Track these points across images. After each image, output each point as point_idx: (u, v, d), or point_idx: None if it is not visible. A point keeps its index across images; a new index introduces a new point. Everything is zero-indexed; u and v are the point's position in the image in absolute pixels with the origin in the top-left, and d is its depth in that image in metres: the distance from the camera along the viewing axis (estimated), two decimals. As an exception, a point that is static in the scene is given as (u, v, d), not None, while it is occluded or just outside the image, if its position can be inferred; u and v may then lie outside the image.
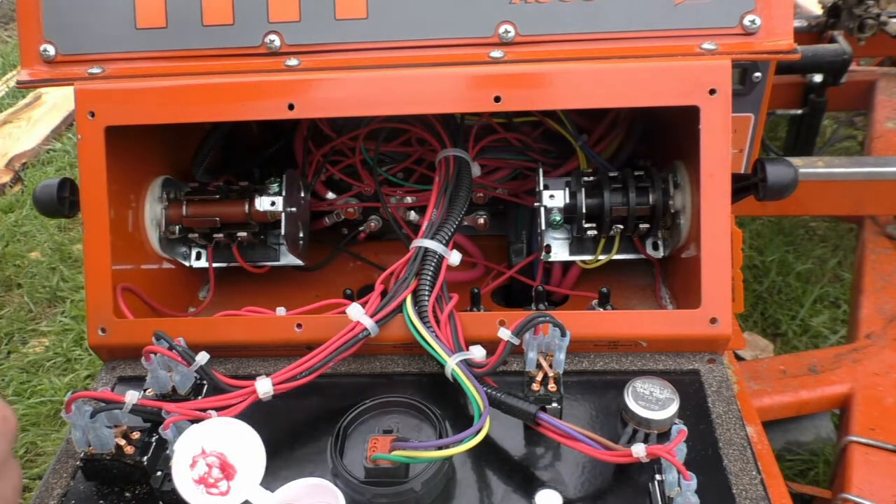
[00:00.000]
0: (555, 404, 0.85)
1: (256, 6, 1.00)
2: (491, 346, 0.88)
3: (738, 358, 1.87)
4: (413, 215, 1.28)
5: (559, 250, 1.16)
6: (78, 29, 1.03)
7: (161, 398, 0.89)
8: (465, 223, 1.26)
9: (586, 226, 1.10)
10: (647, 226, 1.10)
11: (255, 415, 0.84)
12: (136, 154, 1.09)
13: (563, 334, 0.85)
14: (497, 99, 0.96)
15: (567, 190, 1.10)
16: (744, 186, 1.06)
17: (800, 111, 2.23)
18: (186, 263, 1.21)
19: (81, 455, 0.83)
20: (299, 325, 0.99)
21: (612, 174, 1.11)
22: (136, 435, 0.85)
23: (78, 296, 2.54)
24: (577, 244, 1.16)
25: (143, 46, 1.02)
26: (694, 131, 0.95)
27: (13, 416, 0.52)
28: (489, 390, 0.84)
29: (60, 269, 2.67)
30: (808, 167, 1.81)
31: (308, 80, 0.98)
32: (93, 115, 1.00)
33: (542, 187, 1.10)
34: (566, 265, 1.23)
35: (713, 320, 0.94)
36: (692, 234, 1.02)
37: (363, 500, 0.78)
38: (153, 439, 0.85)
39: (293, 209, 1.17)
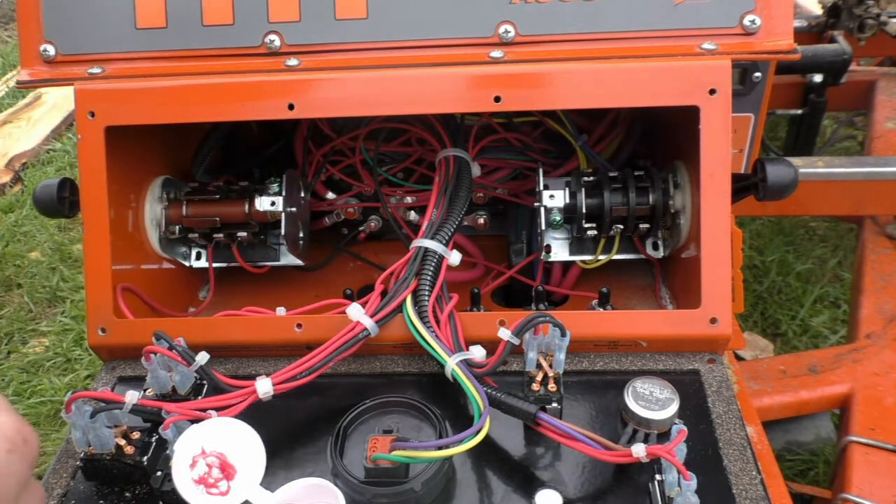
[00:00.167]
0: (555, 404, 0.85)
1: (256, 6, 1.00)
2: (491, 346, 0.88)
3: (738, 358, 1.87)
4: (413, 215, 1.28)
5: (559, 250, 1.16)
6: (78, 29, 1.03)
7: (161, 398, 0.89)
8: (465, 223, 1.26)
9: (586, 226, 1.10)
10: (647, 226, 1.10)
11: (255, 415, 0.84)
12: (136, 154, 1.09)
13: (563, 334, 0.85)
14: (497, 99, 0.96)
15: (567, 190, 1.10)
16: (744, 186, 1.06)
17: (800, 111, 2.23)
18: (186, 263, 1.21)
19: (81, 455, 0.83)
20: (299, 325, 0.99)
21: (612, 174, 1.11)
22: (136, 435, 0.85)
23: (78, 296, 2.54)
24: (577, 244, 1.16)
25: (143, 46, 1.02)
26: (694, 131, 0.95)
27: (35, 438, 0.51)
28: (489, 390, 0.84)
29: (60, 269, 2.67)
30: (808, 167, 1.81)
31: (308, 80, 0.98)
32: (93, 115, 1.00)
33: (542, 187, 1.10)
34: (566, 265, 1.23)
35: (713, 320, 0.94)
36: (692, 234, 1.02)
37: (363, 500, 0.78)
38: (153, 439, 0.85)
39: (293, 209, 1.17)
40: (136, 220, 1.11)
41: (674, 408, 0.82)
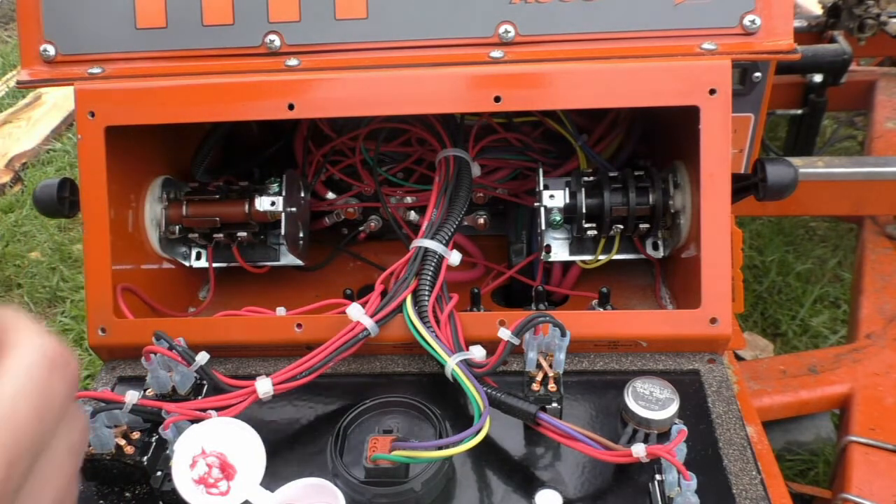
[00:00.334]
0: (555, 404, 0.85)
1: (256, 6, 1.00)
2: (491, 346, 0.88)
3: (738, 358, 1.87)
4: (413, 215, 1.28)
5: (559, 250, 1.16)
6: (78, 29, 1.03)
7: (161, 398, 0.89)
8: (465, 223, 1.26)
9: (586, 226, 1.10)
10: (647, 226, 1.10)
11: (255, 415, 0.84)
12: (136, 154, 1.09)
13: (563, 334, 0.85)
14: (497, 99, 0.96)
15: (567, 190, 1.10)
16: (744, 186, 1.06)
17: (800, 111, 2.23)
18: (186, 263, 1.21)
19: (81, 455, 0.83)
20: (299, 325, 0.99)
21: (612, 174, 1.11)
22: (136, 435, 0.85)
23: (78, 296, 2.53)
24: (577, 244, 1.16)
25: (143, 46, 1.02)
26: (694, 131, 0.95)
27: (75, 361, 0.50)
28: (489, 390, 0.84)
29: (60, 269, 2.67)
30: (808, 167, 1.81)
31: (308, 80, 0.98)
32: (93, 115, 1.00)
33: (542, 187, 1.10)
34: (566, 265, 1.23)
35: (713, 320, 0.94)
36: (692, 234, 1.02)
37: (363, 500, 0.78)
38: (153, 439, 0.85)
39: (293, 209, 1.17)
40: (136, 220, 1.11)
41: (674, 408, 0.82)
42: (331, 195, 1.30)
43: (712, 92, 0.94)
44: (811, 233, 2.56)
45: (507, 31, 0.97)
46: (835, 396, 1.51)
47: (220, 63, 1.01)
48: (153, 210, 1.14)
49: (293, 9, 1.00)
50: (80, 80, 1.02)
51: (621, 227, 1.10)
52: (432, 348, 0.89)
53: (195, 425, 0.77)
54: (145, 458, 0.84)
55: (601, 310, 1.06)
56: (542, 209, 1.09)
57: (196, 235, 1.18)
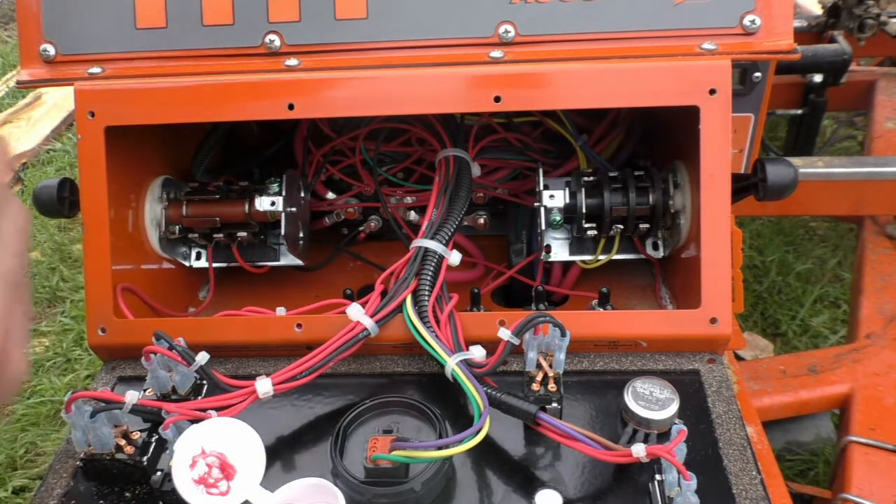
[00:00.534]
0: (555, 404, 0.85)
1: (256, 6, 1.00)
2: (491, 346, 0.88)
3: (738, 358, 1.87)
4: (413, 215, 1.28)
5: (559, 250, 1.16)
6: (78, 29, 1.03)
7: (161, 398, 0.89)
8: (465, 223, 1.26)
9: (586, 226, 1.10)
10: (647, 226, 1.10)
11: (255, 415, 0.84)
12: (136, 154, 1.09)
13: (563, 334, 0.85)
14: (497, 99, 0.96)
15: (567, 190, 1.10)
16: (744, 186, 1.06)
17: (800, 111, 2.23)
18: (186, 263, 1.21)
19: (81, 455, 0.83)
20: (299, 325, 0.99)
21: (612, 174, 1.11)
22: (136, 435, 0.85)
23: (78, 296, 2.53)
24: (577, 244, 1.16)
25: (143, 46, 1.02)
26: (694, 131, 0.95)
27: (7, 146, 0.55)
28: (489, 390, 0.84)
29: (60, 269, 2.67)
30: (808, 167, 1.81)
31: (308, 80, 0.98)
32: (93, 115, 1.00)
33: (542, 187, 1.10)
34: (566, 265, 1.23)
35: (713, 320, 0.94)
36: (692, 234, 1.02)
37: (363, 500, 0.78)
38: (153, 439, 0.85)
39: (293, 209, 1.17)
40: (136, 220, 1.11)
41: (674, 408, 0.82)
42: (331, 195, 1.30)
43: (712, 92, 0.94)
44: (811, 233, 2.56)
45: (507, 31, 0.97)
46: (835, 396, 1.51)
47: (220, 63, 1.01)
48: (153, 210, 1.14)
49: (293, 9, 1.00)
50: (80, 80, 1.02)
51: (621, 227, 1.10)
52: (432, 348, 0.89)
53: (195, 425, 0.77)
54: (145, 458, 0.84)
55: (601, 310, 1.06)
56: (542, 209, 1.09)
57: (196, 235, 1.18)
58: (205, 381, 0.91)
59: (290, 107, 0.98)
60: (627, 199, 1.08)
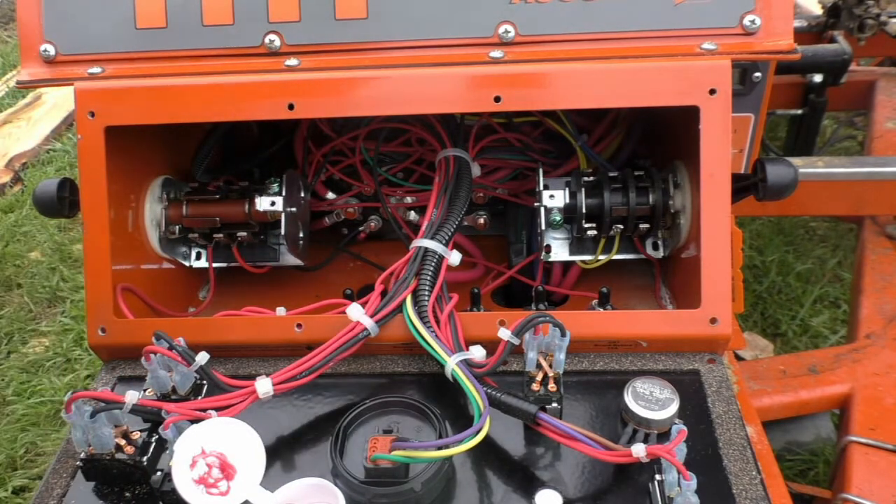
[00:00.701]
0: (555, 404, 0.85)
1: (256, 6, 1.00)
2: (491, 346, 0.88)
3: (738, 358, 1.87)
4: (413, 215, 1.28)
5: (559, 250, 1.16)
6: (78, 29, 1.03)
7: (161, 398, 0.89)
8: (465, 223, 1.26)
9: (586, 226, 1.10)
10: (647, 226, 1.10)
11: (255, 415, 0.84)
12: (136, 154, 1.09)
13: (563, 334, 0.84)
14: (497, 99, 0.96)
15: (567, 190, 1.10)
16: (744, 186, 1.05)
17: (800, 111, 2.23)
18: (186, 263, 1.21)
19: (81, 455, 0.83)
20: (299, 325, 0.99)
21: (612, 174, 1.11)
22: (136, 435, 0.85)
23: (78, 296, 2.53)
24: (577, 244, 1.16)
25: (143, 46, 1.02)
26: (694, 131, 0.95)
27: None
28: (489, 390, 0.84)
29: (60, 269, 2.67)
30: (808, 167, 1.81)
31: (308, 80, 0.98)
32: (93, 115, 1.00)
33: (542, 187, 1.10)
34: (566, 265, 1.23)
35: (713, 320, 0.94)
36: (692, 234, 1.02)
37: (363, 500, 0.78)
38: (153, 439, 0.85)
39: (293, 209, 1.17)
40: (136, 220, 1.11)
41: (674, 408, 0.82)
42: (331, 195, 1.30)
43: (712, 92, 0.94)
44: (811, 233, 2.56)
45: (507, 31, 0.97)
46: (835, 396, 1.51)
47: (220, 63, 1.01)
48: (153, 210, 1.14)
49: (293, 9, 1.00)
50: (80, 80, 1.02)
51: (621, 227, 1.10)
52: (432, 348, 0.89)
53: (195, 425, 0.77)
54: (145, 458, 0.84)
55: (601, 310, 1.06)
56: (542, 209, 1.09)
57: (196, 235, 1.18)
58: (205, 381, 0.91)
59: (290, 107, 0.98)
60: (627, 199, 1.08)
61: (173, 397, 0.89)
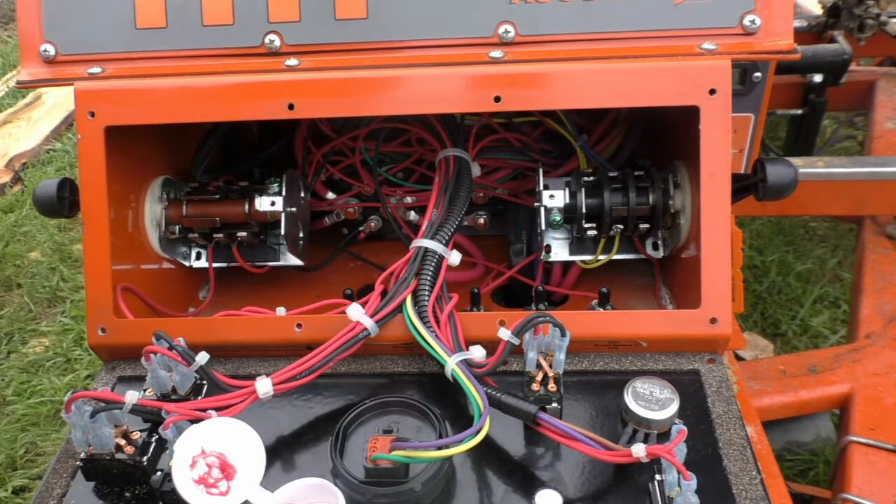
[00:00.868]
0: (555, 404, 0.85)
1: (256, 6, 1.00)
2: (491, 346, 0.88)
3: (738, 358, 1.87)
4: (413, 215, 1.28)
5: (559, 250, 1.16)
6: (78, 29, 1.03)
7: (161, 398, 0.89)
8: (465, 223, 1.26)
9: (586, 226, 1.10)
10: (647, 226, 1.10)
11: (255, 415, 0.84)
12: (136, 154, 1.09)
13: (563, 334, 0.84)
14: (497, 99, 0.96)
15: (567, 190, 1.10)
16: (744, 186, 1.05)
17: (800, 111, 2.23)
18: (186, 263, 1.21)
19: (81, 455, 0.83)
20: (299, 325, 0.99)
21: (612, 174, 1.11)
22: (136, 435, 0.85)
23: (78, 296, 2.53)
24: (577, 244, 1.16)
25: (143, 46, 1.02)
26: (694, 131, 0.95)
27: None
28: (489, 390, 0.84)
29: (60, 269, 2.67)
30: (808, 167, 1.81)
31: (308, 80, 0.98)
32: (93, 115, 1.00)
33: (542, 187, 1.10)
34: (566, 265, 1.23)
35: (713, 320, 0.94)
36: (692, 234, 1.02)
37: (363, 500, 0.78)
38: (153, 439, 0.85)
39: (293, 209, 1.17)
40: (136, 220, 1.11)
41: (674, 408, 0.82)
42: (331, 195, 1.30)
43: (712, 92, 0.94)
44: (811, 233, 2.56)
45: (507, 31, 0.97)
46: (835, 396, 1.51)
47: (220, 63, 1.01)
48: (153, 210, 1.14)
49: (293, 9, 1.00)
50: (80, 80, 1.02)
51: (621, 227, 1.10)
52: (432, 348, 0.89)
53: (195, 425, 0.77)
54: (145, 458, 0.84)
55: (601, 310, 1.06)
56: (542, 209, 1.09)
57: (196, 235, 1.18)
58: (205, 381, 0.91)
59: (290, 107, 0.98)
60: (627, 199, 1.08)
61: (173, 397, 0.89)
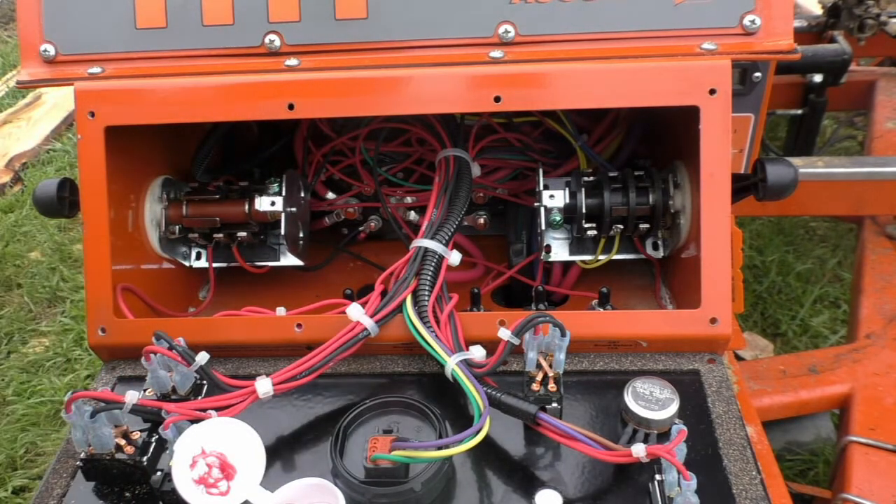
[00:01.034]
0: (555, 404, 0.85)
1: (256, 6, 1.00)
2: (491, 346, 0.88)
3: (738, 358, 1.87)
4: (413, 215, 1.28)
5: (559, 250, 1.16)
6: (78, 29, 1.03)
7: (161, 398, 0.89)
8: (465, 223, 1.26)
9: (586, 226, 1.10)
10: (647, 226, 1.10)
11: (255, 415, 0.84)
12: (136, 154, 1.09)
13: (563, 334, 0.84)
14: (497, 99, 0.96)
15: (567, 190, 1.10)
16: (744, 186, 1.05)
17: (800, 111, 2.23)
18: (186, 263, 1.21)
19: (81, 455, 0.83)
20: (299, 325, 0.99)
21: (612, 174, 1.11)
22: (136, 435, 0.85)
23: (78, 296, 2.53)
24: (577, 244, 1.16)
25: (143, 46, 1.02)
26: (694, 131, 0.95)
27: None
28: (489, 390, 0.84)
29: (60, 269, 2.67)
30: (808, 167, 1.81)
31: (308, 80, 0.98)
32: (93, 115, 1.00)
33: (542, 187, 1.10)
34: (566, 265, 1.23)
35: (713, 320, 0.94)
36: (692, 234, 1.02)
37: (363, 500, 0.78)
38: (153, 439, 0.85)
39: (293, 209, 1.17)
40: (136, 220, 1.11)
41: (674, 408, 0.82)
42: (331, 195, 1.30)
43: (712, 92, 0.94)
44: (811, 233, 2.56)
45: (507, 31, 0.97)
46: (835, 396, 1.51)
47: (220, 63, 1.01)
48: (153, 210, 1.14)
49: (293, 9, 1.00)
50: (80, 80, 1.02)
51: (621, 227, 1.10)
52: (432, 348, 0.89)
53: (195, 425, 0.77)
54: (145, 458, 0.84)
55: (601, 310, 1.06)
56: (542, 209, 1.09)
57: (196, 235, 1.18)
58: (205, 381, 0.91)
59: (290, 107, 0.98)
60: (627, 199, 1.08)
61: (173, 397, 0.89)
